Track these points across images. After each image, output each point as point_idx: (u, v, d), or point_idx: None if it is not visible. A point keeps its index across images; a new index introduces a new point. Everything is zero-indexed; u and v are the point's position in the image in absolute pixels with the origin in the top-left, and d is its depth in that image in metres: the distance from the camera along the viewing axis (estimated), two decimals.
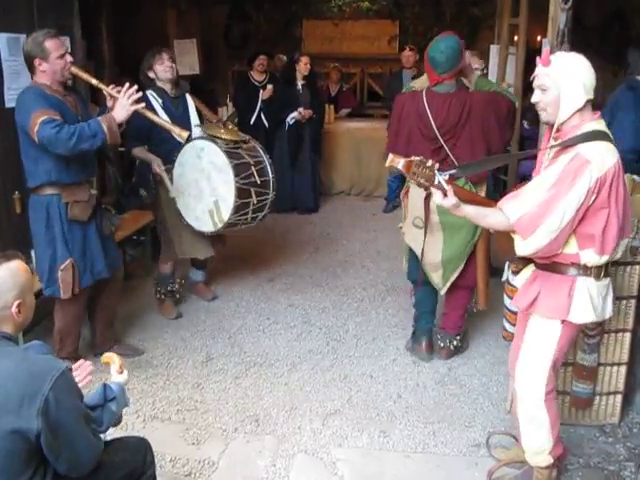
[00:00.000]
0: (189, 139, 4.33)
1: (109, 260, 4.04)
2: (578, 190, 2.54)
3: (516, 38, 6.71)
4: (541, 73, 2.67)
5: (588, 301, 2.73)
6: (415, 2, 10.44)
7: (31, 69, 3.68)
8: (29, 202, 3.87)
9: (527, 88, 6.90)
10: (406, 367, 4.29)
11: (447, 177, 2.74)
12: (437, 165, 2.77)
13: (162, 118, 4.27)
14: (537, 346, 2.88)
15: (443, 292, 4.23)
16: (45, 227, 3.76)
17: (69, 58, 3.71)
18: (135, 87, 3.76)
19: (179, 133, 4.06)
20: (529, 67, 6.25)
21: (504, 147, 4.05)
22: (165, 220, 4.83)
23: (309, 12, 10.79)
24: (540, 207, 2.59)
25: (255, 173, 4.66)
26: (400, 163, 2.74)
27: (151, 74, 4.69)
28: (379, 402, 3.90)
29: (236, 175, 4.47)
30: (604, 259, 2.70)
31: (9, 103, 4.21)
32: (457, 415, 3.78)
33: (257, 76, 7.84)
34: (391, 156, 2.81)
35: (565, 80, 2.61)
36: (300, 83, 7.54)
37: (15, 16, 4.27)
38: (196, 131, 4.72)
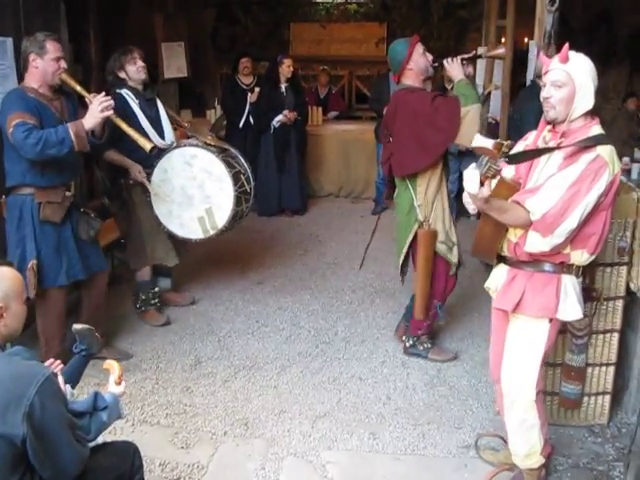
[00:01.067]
0: (152, 151, 4.11)
1: (87, 262, 4.03)
2: (598, 190, 2.57)
3: (503, 40, 6.74)
4: (557, 69, 2.64)
5: (574, 298, 2.77)
6: (402, 4, 10.46)
7: (24, 67, 3.71)
8: (7, 202, 3.86)
9: (514, 89, 6.96)
10: (395, 369, 4.29)
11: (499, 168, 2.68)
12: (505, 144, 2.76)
13: (133, 126, 4.17)
14: (526, 347, 2.88)
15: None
16: (16, 227, 3.79)
17: (63, 64, 3.74)
18: (105, 95, 3.76)
19: (144, 144, 3.97)
20: (516, 68, 6.30)
21: (450, 143, 4.02)
22: (140, 224, 4.71)
23: (297, 15, 10.81)
24: (562, 206, 2.59)
25: (244, 182, 4.71)
26: (490, 143, 2.73)
27: (122, 74, 4.58)
28: (368, 404, 3.90)
29: (235, 184, 4.54)
30: (590, 259, 2.74)
31: None
32: (446, 417, 3.78)
33: (244, 79, 7.81)
34: (478, 136, 2.88)
35: (583, 79, 2.62)
36: (284, 85, 7.51)
37: (1, 20, 4.24)
38: (169, 135, 4.69)
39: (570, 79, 2.62)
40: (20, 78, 4.31)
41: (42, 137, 3.52)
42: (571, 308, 2.77)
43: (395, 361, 4.39)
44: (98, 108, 3.67)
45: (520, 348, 2.90)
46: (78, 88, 3.84)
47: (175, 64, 8.65)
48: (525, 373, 2.88)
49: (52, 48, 3.67)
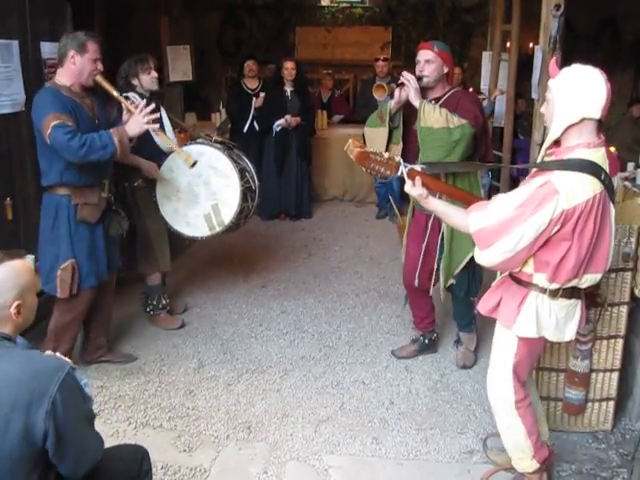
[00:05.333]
0: (193, 165, 4.33)
1: (110, 262, 4.07)
2: (540, 217, 2.47)
3: (508, 45, 6.75)
4: (548, 84, 2.63)
5: (533, 316, 2.70)
6: (408, 9, 10.46)
7: (60, 63, 3.70)
8: (42, 200, 3.87)
9: (518, 95, 6.96)
10: (399, 374, 4.29)
11: (408, 169, 2.84)
12: (398, 158, 2.87)
13: (173, 140, 4.33)
14: (498, 356, 2.91)
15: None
16: (52, 226, 3.79)
17: (100, 66, 3.75)
18: (153, 106, 3.81)
19: (186, 158, 4.08)
20: (521, 74, 6.31)
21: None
22: (147, 229, 4.69)
23: (302, 19, 10.81)
24: (501, 224, 2.54)
25: (250, 179, 4.74)
26: (353, 152, 2.81)
27: (134, 81, 4.56)
28: (371, 409, 3.90)
29: (241, 179, 4.56)
30: (554, 286, 2.66)
31: (1, 109, 4.20)
32: (450, 422, 3.77)
33: (250, 83, 7.81)
34: (350, 141, 2.89)
35: (563, 93, 2.54)
36: (289, 90, 7.49)
37: (7, 22, 4.25)
38: (174, 139, 4.70)
39: (553, 94, 2.58)
40: (25, 81, 4.35)
41: (86, 142, 3.52)
42: (525, 325, 2.72)
43: (398, 366, 4.39)
44: (144, 120, 3.71)
45: (494, 355, 2.95)
46: (115, 93, 3.84)
47: (180, 67, 8.68)
48: (499, 381, 2.91)
49: (92, 48, 3.68)
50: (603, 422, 3.64)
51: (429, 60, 3.85)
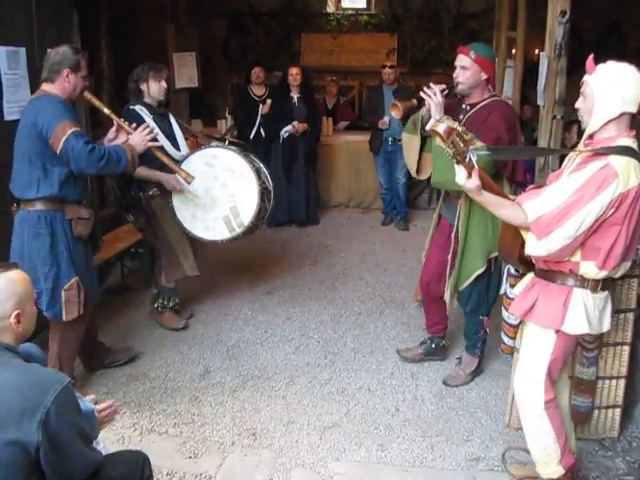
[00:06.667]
0: (189, 182, 4.31)
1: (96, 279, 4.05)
2: (601, 200, 2.52)
3: (514, 51, 6.74)
4: (585, 80, 2.66)
5: (583, 313, 2.73)
6: (413, 16, 10.47)
7: (50, 79, 3.59)
8: (19, 216, 3.63)
9: (523, 100, 6.94)
10: (404, 380, 4.28)
11: (476, 158, 2.66)
12: (476, 140, 2.76)
13: (172, 158, 4.37)
14: (532, 355, 2.89)
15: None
16: (50, 244, 3.57)
17: (87, 81, 3.75)
18: (150, 127, 3.85)
19: (185, 177, 4.07)
20: (527, 80, 6.30)
21: None
22: (167, 236, 4.72)
23: (308, 25, 10.81)
24: (561, 210, 2.56)
25: (264, 179, 4.75)
26: (442, 127, 2.69)
27: (143, 86, 4.59)
28: (377, 416, 3.89)
29: (258, 179, 4.58)
30: (602, 274, 2.69)
31: (8, 116, 4.21)
32: (455, 429, 3.76)
33: (257, 90, 7.81)
34: (433, 120, 2.84)
35: (602, 88, 2.60)
36: (295, 96, 7.50)
37: (14, 29, 4.28)
38: (184, 147, 4.72)
39: (591, 90, 2.62)
40: (32, 88, 4.36)
41: (105, 153, 3.49)
42: (576, 322, 2.74)
43: (404, 372, 4.38)
44: (146, 137, 3.74)
45: (527, 355, 2.92)
46: (106, 110, 3.81)
47: (186, 74, 8.70)
48: (531, 381, 2.89)
49: (83, 65, 3.66)
50: (610, 429, 3.62)
51: (464, 67, 3.70)
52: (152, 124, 4.43)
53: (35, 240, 3.58)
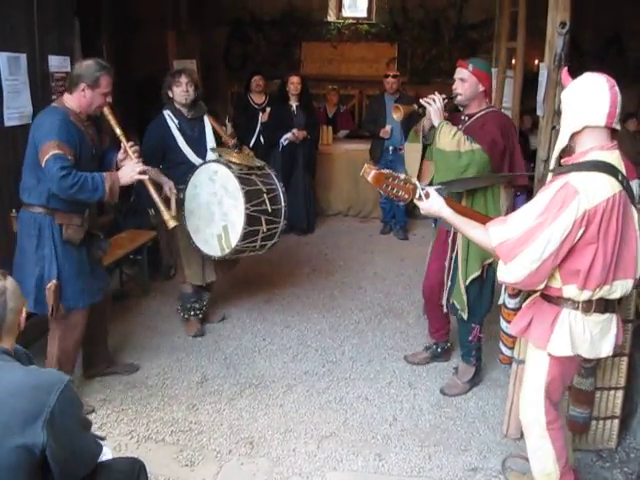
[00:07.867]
0: (173, 229, 4.12)
1: (102, 284, 4.03)
2: (564, 220, 2.45)
3: (514, 62, 6.76)
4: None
5: (567, 334, 2.66)
6: (414, 25, 10.52)
7: (69, 90, 3.65)
8: (19, 215, 3.78)
9: (524, 111, 6.96)
10: (402, 390, 4.27)
11: (425, 192, 2.84)
12: (414, 180, 2.88)
13: (171, 147, 4.51)
14: (530, 376, 2.87)
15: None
16: (36, 246, 3.67)
17: (109, 99, 3.74)
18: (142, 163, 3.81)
19: (167, 219, 3.95)
20: (526, 90, 6.31)
21: None
22: (177, 241, 4.83)
23: (308, 34, 10.86)
24: (525, 234, 2.51)
25: (267, 201, 4.58)
26: (370, 175, 2.78)
27: (170, 93, 4.73)
28: (375, 425, 3.88)
29: (247, 202, 4.42)
30: (586, 294, 2.60)
31: (9, 122, 4.22)
32: (453, 439, 3.75)
33: (256, 98, 7.85)
34: (366, 165, 2.88)
35: (565, 102, 2.58)
36: (294, 104, 7.54)
37: (16, 36, 4.28)
38: (210, 154, 4.74)
39: (562, 104, 2.62)
40: (33, 94, 4.37)
41: (78, 181, 3.47)
42: (560, 343, 2.68)
43: (402, 382, 4.37)
44: (135, 173, 3.71)
45: (527, 376, 2.91)
46: (118, 131, 3.80)
47: None
48: (531, 401, 2.86)
49: (104, 83, 3.65)
50: (607, 440, 3.62)
51: (463, 79, 3.88)
52: (175, 132, 4.66)
53: (27, 239, 3.72)
